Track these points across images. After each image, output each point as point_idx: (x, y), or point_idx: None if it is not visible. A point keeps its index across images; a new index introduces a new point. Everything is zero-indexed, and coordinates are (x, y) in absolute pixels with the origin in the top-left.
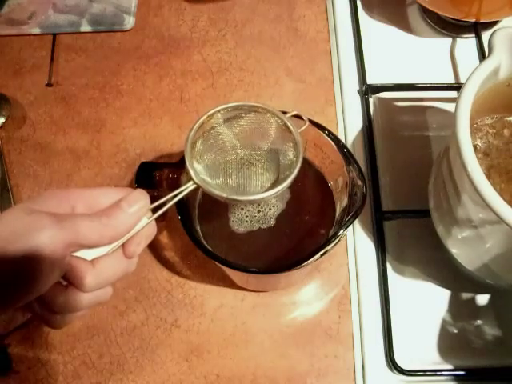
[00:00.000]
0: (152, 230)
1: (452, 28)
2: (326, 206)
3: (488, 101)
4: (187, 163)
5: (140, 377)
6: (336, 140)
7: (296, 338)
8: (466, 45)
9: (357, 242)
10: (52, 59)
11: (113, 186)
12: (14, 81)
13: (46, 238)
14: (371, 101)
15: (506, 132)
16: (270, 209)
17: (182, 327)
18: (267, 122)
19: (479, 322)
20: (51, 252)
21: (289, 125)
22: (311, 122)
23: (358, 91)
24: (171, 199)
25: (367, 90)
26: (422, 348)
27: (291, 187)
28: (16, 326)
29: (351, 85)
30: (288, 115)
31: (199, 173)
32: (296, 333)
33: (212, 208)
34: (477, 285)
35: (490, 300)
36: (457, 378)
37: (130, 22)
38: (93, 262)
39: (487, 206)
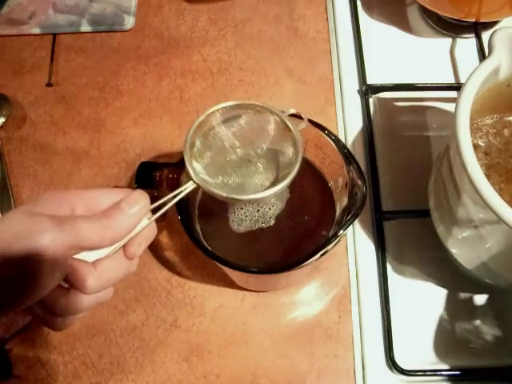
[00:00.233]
0: (152, 231)
1: (452, 28)
2: (326, 206)
3: (488, 101)
4: (186, 163)
5: (140, 377)
6: (336, 140)
7: (296, 338)
8: (466, 45)
9: (357, 242)
10: (52, 59)
11: (112, 187)
12: (14, 81)
13: (47, 241)
14: (371, 101)
15: (506, 132)
16: (269, 208)
17: (182, 327)
18: (266, 121)
19: (479, 321)
20: (52, 255)
21: (288, 123)
22: (311, 122)
23: (358, 91)
24: (171, 199)
25: (367, 90)
26: (422, 348)
27: (291, 187)
28: (17, 330)
29: (351, 85)
30: (287, 113)
31: (199, 172)
32: (296, 333)
33: (212, 208)
34: (477, 285)
35: (490, 300)
36: (456, 377)
37: (130, 21)
38: (94, 263)
39: (487, 206)
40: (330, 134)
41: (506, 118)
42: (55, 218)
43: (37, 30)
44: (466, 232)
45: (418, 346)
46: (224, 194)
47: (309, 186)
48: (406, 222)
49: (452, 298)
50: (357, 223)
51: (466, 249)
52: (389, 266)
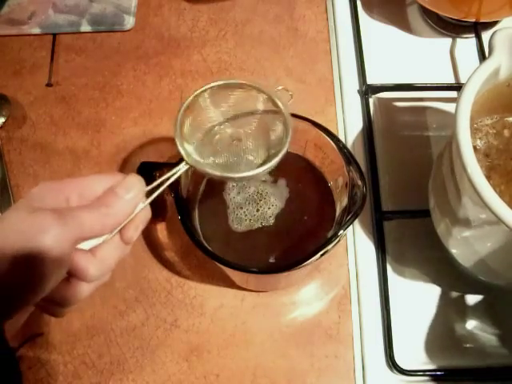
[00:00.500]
0: (147, 214)
1: (452, 28)
2: (326, 206)
3: (488, 101)
4: (178, 144)
5: (140, 377)
6: (336, 140)
7: (296, 338)
8: (466, 45)
9: (357, 242)
10: (52, 59)
11: (104, 173)
12: (14, 81)
13: (52, 239)
14: (371, 101)
15: (506, 132)
16: (269, 208)
17: (182, 327)
18: (255, 99)
19: (479, 321)
20: (58, 252)
21: (276, 101)
22: (311, 121)
23: (358, 91)
24: (165, 181)
25: (367, 90)
26: (422, 348)
27: (291, 187)
28: (28, 338)
29: (351, 85)
30: (274, 90)
31: (190, 153)
32: (296, 333)
33: (212, 208)
34: (477, 284)
35: (490, 300)
36: (457, 377)
37: (130, 22)
38: (92, 251)
39: (487, 208)
40: (330, 134)
41: (506, 119)
42: (57, 212)
43: (37, 30)
44: (466, 232)
45: (418, 346)
46: (217, 173)
47: (309, 186)
48: (405, 222)
49: (452, 297)
50: (357, 223)
51: (465, 249)
52: (389, 266)
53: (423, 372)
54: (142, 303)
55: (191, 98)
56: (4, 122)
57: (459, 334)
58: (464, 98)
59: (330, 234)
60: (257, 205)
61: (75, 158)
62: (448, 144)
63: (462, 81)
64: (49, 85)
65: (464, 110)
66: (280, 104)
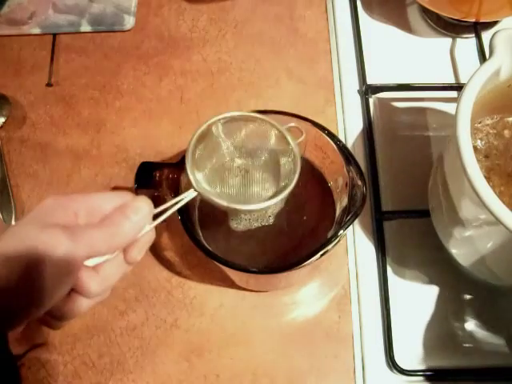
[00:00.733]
0: (152, 236)
1: (452, 28)
2: (326, 206)
3: (488, 101)
4: (188, 172)
5: (140, 377)
6: (336, 140)
7: (296, 338)
8: (466, 45)
9: (357, 242)
10: (52, 59)
11: (112, 187)
12: (14, 81)
13: (62, 255)
14: (371, 101)
15: (506, 133)
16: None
17: (182, 327)
18: (266, 133)
19: (479, 322)
20: (67, 268)
21: (286, 136)
22: (311, 122)
23: (358, 91)
24: (172, 206)
25: (367, 90)
26: (422, 348)
27: None
28: (31, 347)
29: (351, 85)
30: (286, 127)
31: (200, 181)
32: (296, 333)
33: (212, 208)
34: (476, 284)
35: (490, 300)
36: (457, 377)
37: (130, 22)
38: (95, 268)
39: (486, 209)
40: (330, 134)
41: (506, 119)
42: (68, 230)
43: (37, 30)
44: (466, 232)
45: (418, 346)
46: (224, 204)
47: (309, 186)
48: (406, 222)
49: (452, 297)
50: (357, 223)
51: (465, 249)
52: (388, 266)
53: (423, 372)
54: (141, 303)
55: (205, 126)
56: (4, 122)
57: (459, 334)
58: (465, 99)
59: (330, 234)
60: None
61: (75, 158)
62: (448, 144)
63: (462, 81)
64: (49, 85)
65: (464, 110)
66: (290, 141)
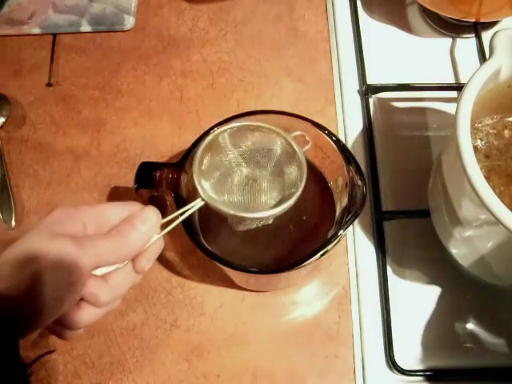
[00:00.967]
0: (160, 245)
1: (452, 28)
2: (326, 206)
3: (488, 102)
4: (195, 180)
5: (140, 377)
6: (336, 140)
7: (296, 338)
8: (466, 45)
9: (357, 242)
10: (52, 59)
11: (121, 202)
12: (14, 81)
13: (70, 264)
14: (371, 101)
15: (506, 133)
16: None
17: (182, 327)
18: (272, 142)
19: (479, 322)
20: (75, 277)
21: (293, 145)
22: (311, 122)
23: (358, 91)
24: (179, 216)
25: (367, 90)
26: (422, 348)
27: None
28: (41, 354)
29: (351, 85)
30: (292, 135)
31: (207, 190)
32: (296, 333)
33: (212, 209)
34: (476, 284)
35: (490, 300)
36: (457, 377)
37: (130, 22)
38: (104, 277)
39: (486, 209)
40: (330, 134)
41: (506, 119)
42: (75, 239)
43: (37, 30)
44: (466, 232)
45: (418, 345)
46: (231, 212)
47: (309, 186)
48: (406, 222)
49: (452, 297)
50: (357, 223)
51: (465, 249)
52: (388, 266)
53: (423, 372)
54: (142, 303)
55: (211, 136)
56: (4, 122)
57: (459, 334)
58: (465, 99)
59: (330, 234)
60: None
61: (75, 158)
62: (448, 144)
63: (462, 81)
64: (49, 85)
65: (464, 110)
66: (297, 149)
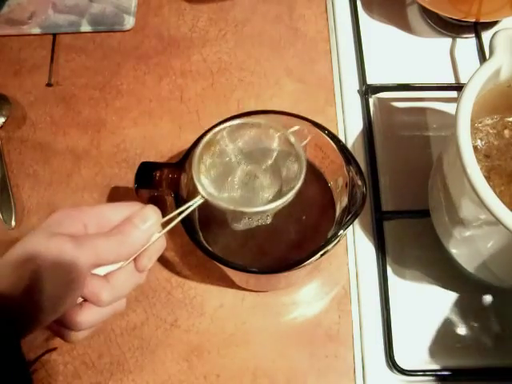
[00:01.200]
0: (162, 244)
1: (452, 28)
2: (326, 206)
3: (488, 102)
4: (195, 178)
5: (140, 377)
6: (336, 140)
7: (296, 338)
8: (466, 45)
9: (357, 242)
10: (52, 59)
11: (121, 202)
12: (14, 81)
13: (68, 262)
14: (371, 101)
15: (506, 133)
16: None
17: (182, 327)
18: (271, 138)
19: (479, 321)
20: (74, 275)
21: (291, 139)
22: (311, 121)
23: (358, 91)
24: (180, 214)
25: (367, 90)
26: (422, 348)
27: None
28: (43, 352)
29: (351, 85)
30: (290, 130)
31: (206, 187)
32: (296, 333)
33: (212, 208)
34: (476, 284)
35: (490, 300)
36: (457, 377)
37: (129, 22)
38: (106, 277)
39: (486, 209)
40: (330, 134)
41: (506, 119)
42: (74, 238)
43: (37, 30)
44: (466, 233)
45: (418, 346)
46: (231, 208)
47: (309, 186)
48: (406, 222)
49: (452, 297)
50: (357, 223)
51: (465, 249)
52: (388, 266)
53: (423, 372)
54: (141, 303)
55: (210, 135)
56: (4, 122)
57: (459, 334)
58: (465, 99)
59: (330, 234)
60: None
61: (75, 158)
62: (448, 144)
63: (462, 81)
64: (49, 85)
65: (465, 110)
66: (295, 143)
